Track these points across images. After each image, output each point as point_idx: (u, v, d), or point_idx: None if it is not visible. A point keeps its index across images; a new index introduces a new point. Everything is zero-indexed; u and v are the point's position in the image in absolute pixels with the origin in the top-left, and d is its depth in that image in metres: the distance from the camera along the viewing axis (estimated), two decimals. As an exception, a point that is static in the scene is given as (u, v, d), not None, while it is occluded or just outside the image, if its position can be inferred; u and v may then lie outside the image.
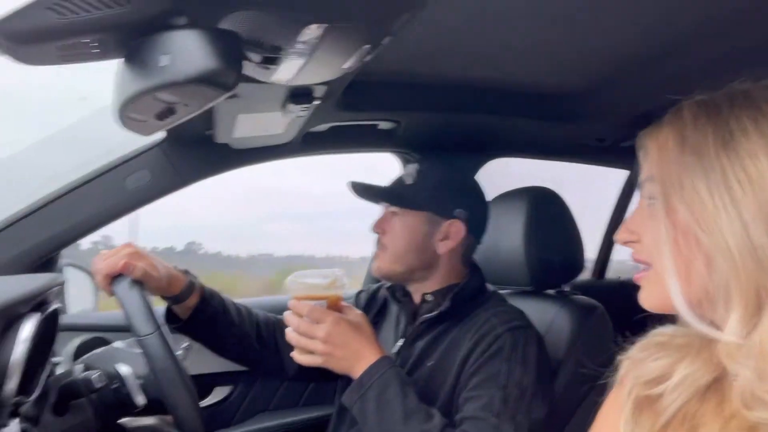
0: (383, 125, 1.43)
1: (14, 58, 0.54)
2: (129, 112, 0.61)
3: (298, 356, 0.97)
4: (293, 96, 1.03)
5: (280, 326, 1.20)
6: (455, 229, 1.13)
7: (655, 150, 0.57)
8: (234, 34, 0.57)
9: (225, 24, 0.59)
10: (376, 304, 1.28)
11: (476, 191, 1.21)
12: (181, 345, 1.37)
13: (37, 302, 0.83)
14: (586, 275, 2.35)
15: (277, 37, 0.61)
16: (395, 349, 1.14)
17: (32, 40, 0.52)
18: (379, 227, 1.17)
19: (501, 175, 1.71)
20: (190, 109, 0.61)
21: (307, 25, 0.59)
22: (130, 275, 0.96)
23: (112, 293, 0.97)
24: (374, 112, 1.35)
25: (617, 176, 2.19)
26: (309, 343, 0.95)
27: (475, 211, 1.17)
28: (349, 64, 0.70)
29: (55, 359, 1.06)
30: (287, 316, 0.98)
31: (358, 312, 1.02)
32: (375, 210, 1.23)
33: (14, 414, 0.78)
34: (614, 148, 1.68)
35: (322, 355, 0.95)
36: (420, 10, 0.68)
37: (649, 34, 1.01)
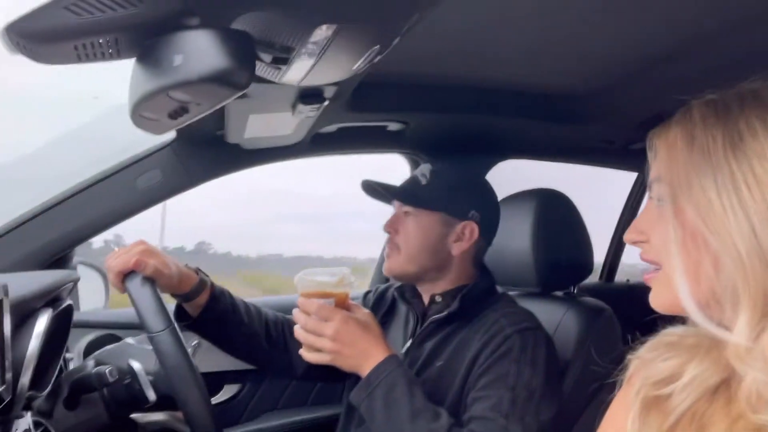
0: (392, 126, 1.44)
1: (31, 57, 0.55)
2: (142, 111, 0.61)
3: (306, 354, 0.98)
4: (303, 96, 1.04)
5: (289, 325, 1.21)
6: (469, 231, 1.13)
7: (664, 150, 0.57)
8: (246, 34, 0.58)
9: (237, 24, 0.60)
10: (385, 304, 1.28)
11: (489, 192, 1.21)
12: (191, 343, 1.39)
13: (50, 298, 0.84)
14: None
15: (288, 38, 0.62)
16: (404, 350, 1.15)
17: (49, 40, 0.53)
18: (392, 227, 1.16)
19: (507, 178, 1.71)
20: (202, 108, 0.62)
21: (317, 25, 0.60)
22: (142, 272, 0.97)
23: (124, 290, 0.98)
24: (383, 113, 1.35)
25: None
26: (317, 341, 0.96)
27: (488, 212, 1.17)
28: (359, 64, 0.71)
29: (67, 355, 1.08)
30: (296, 314, 0.98)
31: (366, 311, 1.02)
32: (383, 212, 1.23)
33: (27, 407, 0.79)
34: (623, 151, 1.67)
35: (330, 353, 0.96)
36: (430, 11, 0.68)
37: (659, 36, 1.01)
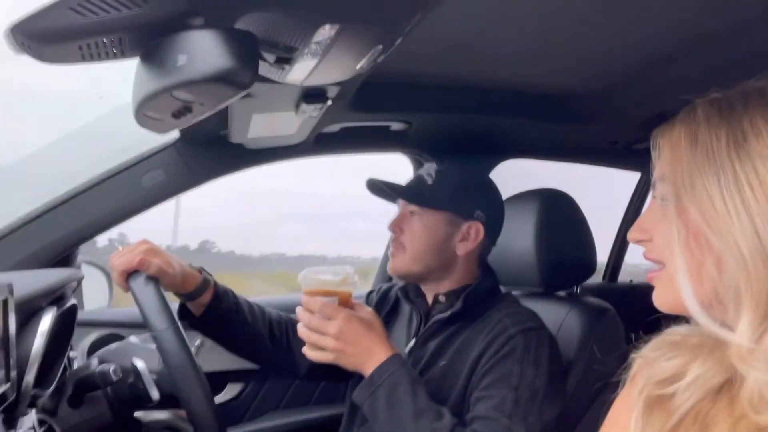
0: (395, 126, 1.44)
1: (36, 57, 0.55)
2: (146, 111, 0.62)
3: (309, 352, 0.98)
4: (306, 96, 1.04)
5: (293, 325, 1.21)
6: (475, 231, 1.13)
7: (668, 149, 0.57)
8: (250, 34, 0.58)
9: (240, 24, 0.60)
10: (388, 303, 1.28)
11: (494, 192, 1.21)
12: (194, 342, 1.40)
13: (55, 297, 0.85)
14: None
15: (291, 38, 0.62)
16: (407, 349, 1.15)
17: (54, 40, 0.53)
18: (397, 226, 1.16)
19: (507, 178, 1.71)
20: (206, 107, 0.62)
21: (320, 25, 0.60)
22: (145, 271, 0.97)
23: (128, 289, 0.98)
24: (386, 113, 1.35)
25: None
26: (320, 339, 0.96)
27: (494, 212, 1.17)
28: (361, 64, 0.71)
29: (71, 353, 1.08)
30: (299, 312, 0.98)
31: (369, 309, 1.02)
32: (386, 212, 1.23)
33: (32, 405, 0.79)
34: (626, 150, 1.67)
35: (333, 352, 0.96)
36: (432, 11, 0.68)
37: (661, 36, 1.01)
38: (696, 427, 0.52)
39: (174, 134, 1.28)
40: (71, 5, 0.50)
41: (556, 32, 1.01)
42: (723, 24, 0.94)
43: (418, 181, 1.18)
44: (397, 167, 1.70)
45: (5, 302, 0.67)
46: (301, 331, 0.98)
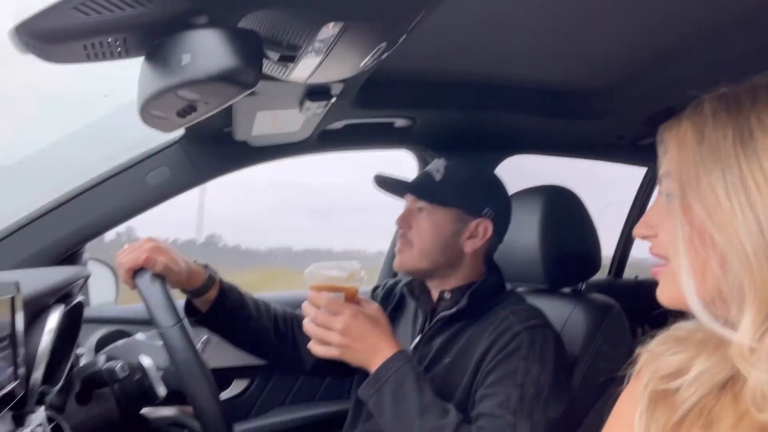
0: (399, 122, 1.43)
1: (41, 57, 0.56)
2: (151, 110, 0.62)
3: (315, 347, 0.98)
4: (310, 94, 1.04)
5: (298, 321, 1.21)
6: (483, 229, 1.13)
7: (674, 145, 0.56)
8: (254, 33, 0.58)
9: (244, 23, 0.60)
10: (393, 299, 1.28)
11: (502, 189, 1.20)
12: (200, 338, 1.41)
13: (62, 294, 0.86)
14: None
15: (295, 36, 0.62)
16: (412, 346, 1.15)
17: (58, 39, 0.53)
18: (405, 222, 1.15)
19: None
20: (210, 106, 0.62)
21: (324, 23, 0.60)
22: (151, 269, 0.98)
23: (134, 286, 0.99)
24: (390, 109, 1.35)
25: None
26: (326, 335, 0.96)
27: (502, 209, 1.17)
28: (365, 62, 0.71)
29: (78, 350, 1.09)
30: (305, 307, 0.99)
31: (376, 306, 1.02)
32: (392, 205, 1.22)
33: (40, 402, 0.80)
34: (632, 146, 1.66)
35: (338, 347, 0.96)
36: (436, 8, 0.68)
37: (669, 31, 1.00)
38: (700, 422, 0.52)
39: (179, 132, 1.29)
40: (76, 5, 0.50)
41: (561, 28, 1.00)
42: (729, 20, 0.94)
43: (426, 176, 1.17)
44: (402, 161, 1.70)
45: (13, 300, 0.68)
46: (307, 326, 0.98)
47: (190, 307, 1.13)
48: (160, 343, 0.95)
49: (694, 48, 1.05)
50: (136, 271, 0.99)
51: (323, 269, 0.99)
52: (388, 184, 1.18)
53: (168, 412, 1.07)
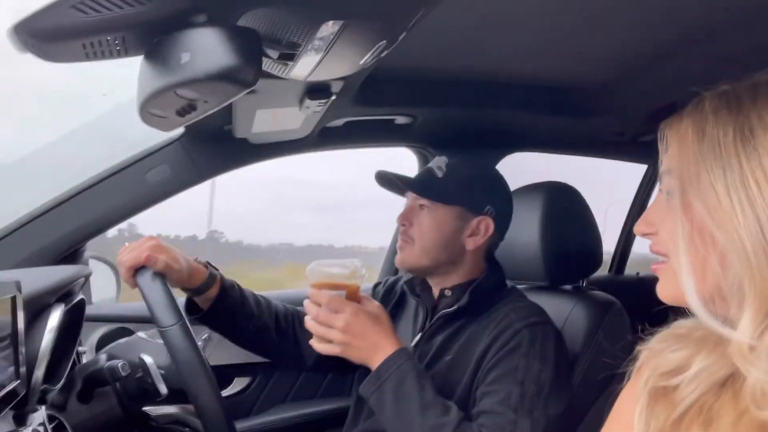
0: (399, 120, 1.43)
1: (40, 56, 0.56)
2: (150, 108, 0.62)
3: (316, 344, 0.98)
4: (310, 91, 1.04)
5: (299, 318, 1.21)
6: (485, 226, 1.13)
7: (675, 142, 0.56)
8: (253, 31, 0.58)
9: (244, 21, 0.60)
10: (394, 297, 1.28)
11: (504, 187, 1.20)
12: (202, 336, 1.41)
13: (63, 293, 0.86)
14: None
15: (294, 34, 0.62)
16: (413, 343, 1.15)
17: (57, 38, 0.53)
18: (407, 219, 1.15)
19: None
20: (209, 105, 0.62)
21: (324, 21, 0.60)
22: (152, 267, 0.98)
23: (135, 285, 0.99)
24: (390, 107, 1.35)
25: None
26: (327, 332, 0.96)
27: (504, 207, 1.17)
28: (365, 59, 0.71)
29: (80, 349, 1.09)
30: (307, 305, 0.99)
31: (377, 303, 1.02)
32: (393, 201, 1.22)
33: (42, 401, 0.80)
34: (633, 143, 1.66)
35: (340, 345, 0.96)
36: (436, 6, 0.68)
37: (669, 28, 1.00)
38: (700, 419, 0.52)
39: (179, 130, 1.29)
40: (74, 4, 0.50)
41: (561, 25, 1.00)
42: (730, 17, 0.93)
43: (428, 174, 1.17)
44: (402, 158, 1.70)
45: (14, 299, 0.68)
46: (309, 323, 0.98)
47: (191, 305, 1.13)
48: (161, 341, 0.95)
49: (695, 45, 1.04)
50: (137, 270, 0.99)
51: (324, 267, 0.99)
52: (390, 181, 1.18)
53: (170, 410, 1.07)
